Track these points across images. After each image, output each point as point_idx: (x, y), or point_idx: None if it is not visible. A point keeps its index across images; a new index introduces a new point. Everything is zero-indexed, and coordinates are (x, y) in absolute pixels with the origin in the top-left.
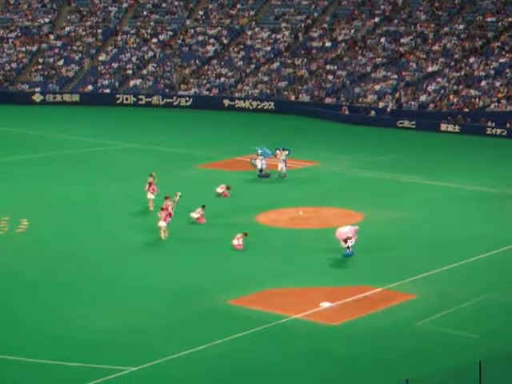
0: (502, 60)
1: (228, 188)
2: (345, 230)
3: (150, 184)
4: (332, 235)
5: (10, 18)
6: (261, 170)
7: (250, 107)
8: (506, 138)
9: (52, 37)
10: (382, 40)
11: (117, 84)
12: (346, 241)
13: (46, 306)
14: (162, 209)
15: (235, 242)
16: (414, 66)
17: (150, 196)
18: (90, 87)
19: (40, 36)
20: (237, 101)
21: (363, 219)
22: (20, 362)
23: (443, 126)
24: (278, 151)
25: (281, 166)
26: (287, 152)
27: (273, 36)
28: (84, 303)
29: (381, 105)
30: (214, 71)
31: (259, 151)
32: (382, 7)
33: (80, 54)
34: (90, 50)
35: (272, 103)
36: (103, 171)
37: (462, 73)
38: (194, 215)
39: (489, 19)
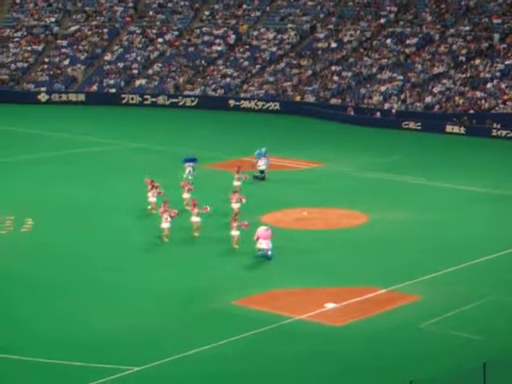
0: (507, 62)
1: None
2: (265, 228)
3: (153, 187)
4: (337, 236)
5: (16, 18)
6: (262, 172)
7: (256, 107)
8: None
9: (58, 36)
10: (388, 41)
11: (122, 84)
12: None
13: (49, 306)
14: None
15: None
16: (420, 67)
17: (152, 199)
18: (95, 87)
19: (46, 35)
20: (242, 101)
21: (368, 220)
22: (23, 361)
23: (449, 128)
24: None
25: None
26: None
27: (278, 37)
28: (87, 303)
29: (386, 106)
30: (220, 71)
31: (257, 152)
32: (388, 8)
33: (86, 54)
34: (96, 49)
35: (277, 104)
36: (108, 171)
37: (468, 74)
38: (196, 219)
39: (495, 21)
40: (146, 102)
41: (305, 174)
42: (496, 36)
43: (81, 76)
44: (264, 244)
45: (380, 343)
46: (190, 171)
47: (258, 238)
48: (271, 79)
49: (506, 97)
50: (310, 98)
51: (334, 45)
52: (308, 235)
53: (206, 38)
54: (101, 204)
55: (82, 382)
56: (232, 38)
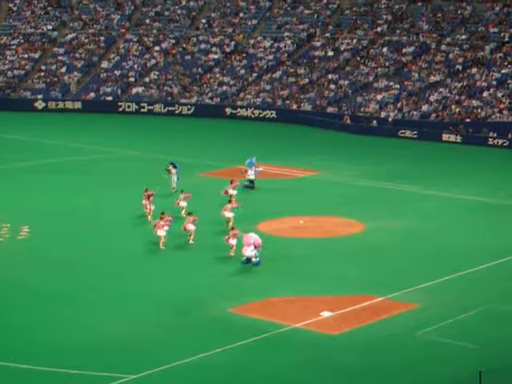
0: (504, 71)
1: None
2: (246, 235)
3: (149, 196)
4: (333, 244)
5: (12, 25)
6: (251, 181)
7: (252, 116)
8: (508, 149)
9: (55, 44)
10: (385, 50)
11: (119, 91)
12: (255, 246)
13: (46, 314)
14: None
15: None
16: (416, 75)
17: (148, 207)
18: (92, 95)
19: (42, 43)
20: (239, 109)
21: (364, 229)
22: (20, 369)
23: (445, 136)
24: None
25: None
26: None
27: (275, 45)
28: (83, 311)
29: (383, 114)
30: (216, 80)
31: (248, 161)
32: (385, 17)
33: (82, 62)
34: (93, 57)
35: (274, 112)
36: (104, 179)
37: (464, 83)
38: (191, 227)
39: (491, 30)
40: (142, 110)
41: (301, 183)
42: (487, 48)
43: (74, 86)
44: (246, 251)
45: (376, 351)
46: (178, 178)
47: (251, 245)
48: (268, 87)
49: (502, 105)
50: (307, 107)
51: (330, 53)
52: (304, 243)
53: (203, 46)
54: (97, 211)
55: None
56: (229, 47)
